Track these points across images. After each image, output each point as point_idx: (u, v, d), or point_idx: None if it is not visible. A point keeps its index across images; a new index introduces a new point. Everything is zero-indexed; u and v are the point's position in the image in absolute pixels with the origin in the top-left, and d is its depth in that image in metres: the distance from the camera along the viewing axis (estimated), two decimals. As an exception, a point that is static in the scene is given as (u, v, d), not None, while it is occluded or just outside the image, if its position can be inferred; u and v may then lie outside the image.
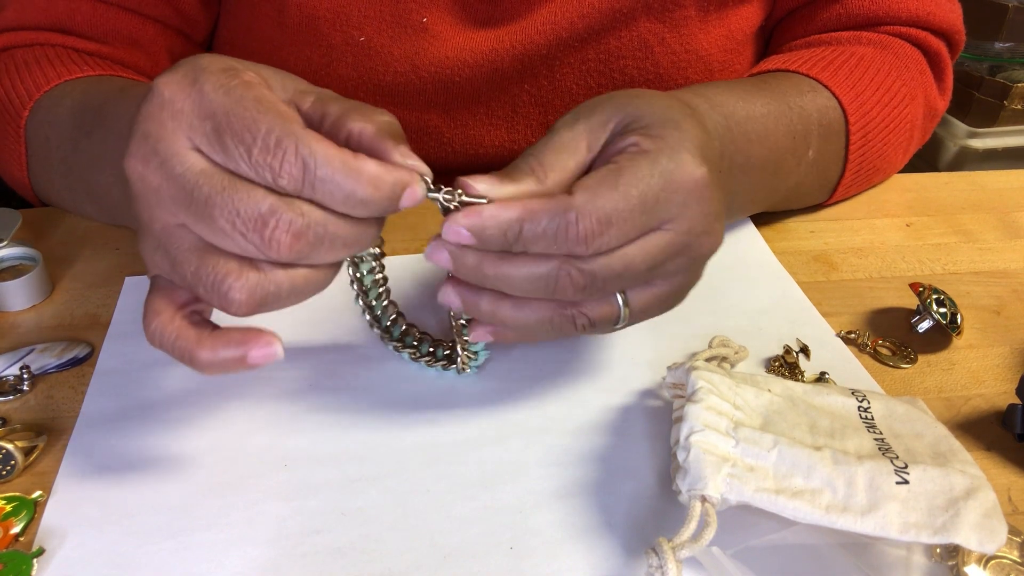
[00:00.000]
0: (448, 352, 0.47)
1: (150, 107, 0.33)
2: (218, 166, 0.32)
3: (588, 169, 0.38)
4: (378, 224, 0.35)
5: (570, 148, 0.38)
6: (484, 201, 0.35)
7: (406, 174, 0.33)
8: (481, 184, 0.36)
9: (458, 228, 0.35)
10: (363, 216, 0.33)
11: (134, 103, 0.44)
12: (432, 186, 0.35)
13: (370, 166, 0.32)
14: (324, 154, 0.31)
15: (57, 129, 0.53)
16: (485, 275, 0.36)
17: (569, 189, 0.36)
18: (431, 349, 0.47)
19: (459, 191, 0.35)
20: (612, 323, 0.39)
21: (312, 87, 0.36)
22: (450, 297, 0.38)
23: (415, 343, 0.47)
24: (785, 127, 0.53)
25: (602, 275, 0.36)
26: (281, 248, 0.32)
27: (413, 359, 0.47)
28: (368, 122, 0.34)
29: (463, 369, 0.46)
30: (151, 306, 0.35)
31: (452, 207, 0.35)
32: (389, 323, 0.47)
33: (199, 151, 0.32)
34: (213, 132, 0.31)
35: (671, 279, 0.39)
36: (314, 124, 0.34)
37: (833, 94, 0.57)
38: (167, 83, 0.32)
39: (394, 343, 0.47)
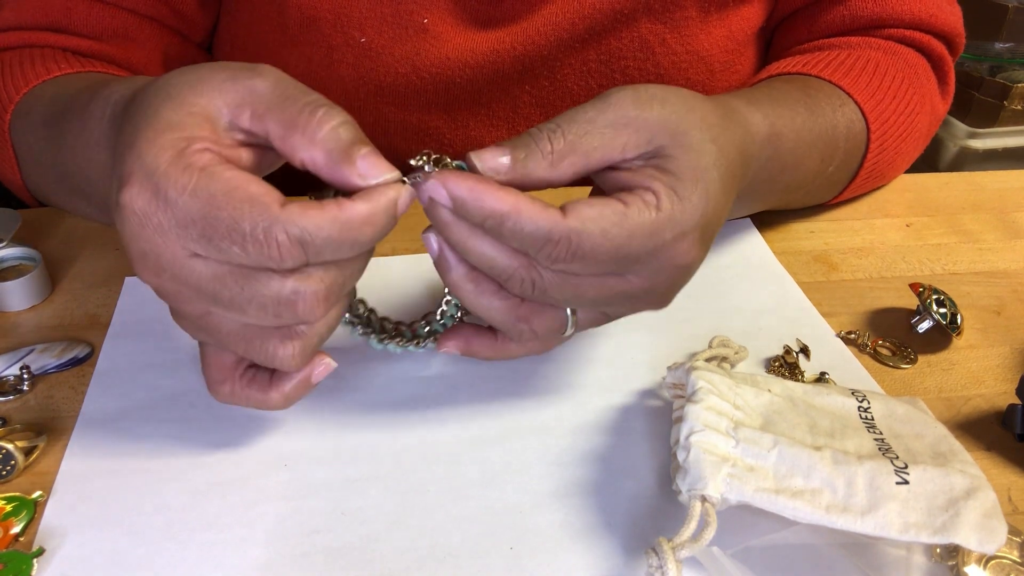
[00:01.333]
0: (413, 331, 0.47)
1: (131, 227, 0.32)
2: (225, 264, 0.32)
3: (608, 166, 0.37)
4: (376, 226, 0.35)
5: (605, 136, 0.36)
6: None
7: (390, 192, 0.33)
8: (487, 162, 0.35)
9: (440, 189, 0.34)
10: (367, 249, 0.34)
11: (90, 103, 0.43)
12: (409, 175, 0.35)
13: (358, 210, 0.32)
14: (314, 225, 0.31)
15: (34, 131, 0.53)
16: (450, 238, 0.36)
17: (565, 208, 0.34)
18: (398, 329, 0.47)
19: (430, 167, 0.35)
20: (559, 334, 0.39)
21: (244, 92, 0.34)
22: (431, 243, 0.38)
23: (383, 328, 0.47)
24: (819, 152, 0.54)
25: (552, 292, 0.37)
26: (316, 314, 0.34)
27: (380, 342, 0.46)
28: (315, 148, 0.33)
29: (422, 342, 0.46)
30: (212, 375, 0.38)
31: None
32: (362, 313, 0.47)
33: (199, 256, 0.32)
34: (202, 239, 0.31)
35: (619, 310, 0.40)
36: (262, 140, 0.34)
37: (858, 105, 0.57)
38: (133, 199, 0.32)
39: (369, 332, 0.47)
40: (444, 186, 0.34)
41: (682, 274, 0.38)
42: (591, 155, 0.36)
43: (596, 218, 0.34)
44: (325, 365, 0.38)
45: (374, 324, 0.46)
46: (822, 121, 0.54)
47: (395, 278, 0.54)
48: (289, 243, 0.31)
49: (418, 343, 0.46)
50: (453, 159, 0.36)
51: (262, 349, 0.35)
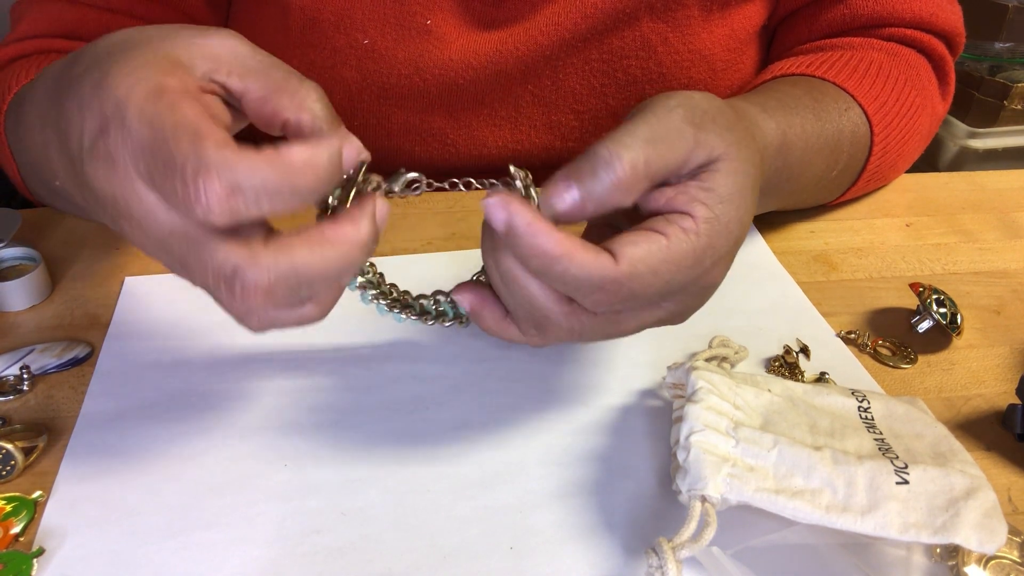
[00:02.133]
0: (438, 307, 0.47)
1: (102, 168, 0.30)
2: (175, 215, 0.30)
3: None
4: (362, 251, 0.32)
5: (669, 160, 0.35)
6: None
7: (335, 142, 0.30)
8: (557, 205, 0.33)
9: (499, 212, 0.32)
10: (313, 204, 0.31)
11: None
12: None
13: (296, 152, 0.29)
14: (248, 167, 0.28)
15: (23, 118, 0.53)
16: (497, 265, 0.35)
17: (618, 247, 0.33)
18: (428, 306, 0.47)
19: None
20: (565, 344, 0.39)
21: (223, 52, 0.33)
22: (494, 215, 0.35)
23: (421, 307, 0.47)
24: (825, 158, 0.54)
25: (589, 335, 0.36)
26: (256, 308, 0.31)
27: (389, 309, 0.46)
28: (303, 112, 0.32)
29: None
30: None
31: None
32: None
33: (155, 200, 0.30)
34: (147, 174, 0.29)
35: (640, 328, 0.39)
36: (235, 98, 0.33)
37: (862, 109, 0.57)
38: (102, 131, 0.30)
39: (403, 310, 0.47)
40: (505, 210, 0.32)
41: (710, 294, 0.38)
42: (658, 176, 0.35)
43: (645, 258, 0.33)
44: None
45: (383, 288, 0.45)
46: (829, 127, 0.54)
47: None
48: (219, 186, 0.28)
49: (425, 319, 0.46)
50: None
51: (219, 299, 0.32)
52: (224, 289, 0.30)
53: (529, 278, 0.34)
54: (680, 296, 0.37)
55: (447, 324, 0.46)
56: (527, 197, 0.34)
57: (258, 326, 0.33)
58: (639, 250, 0.33)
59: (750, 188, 0.37)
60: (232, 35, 0.34)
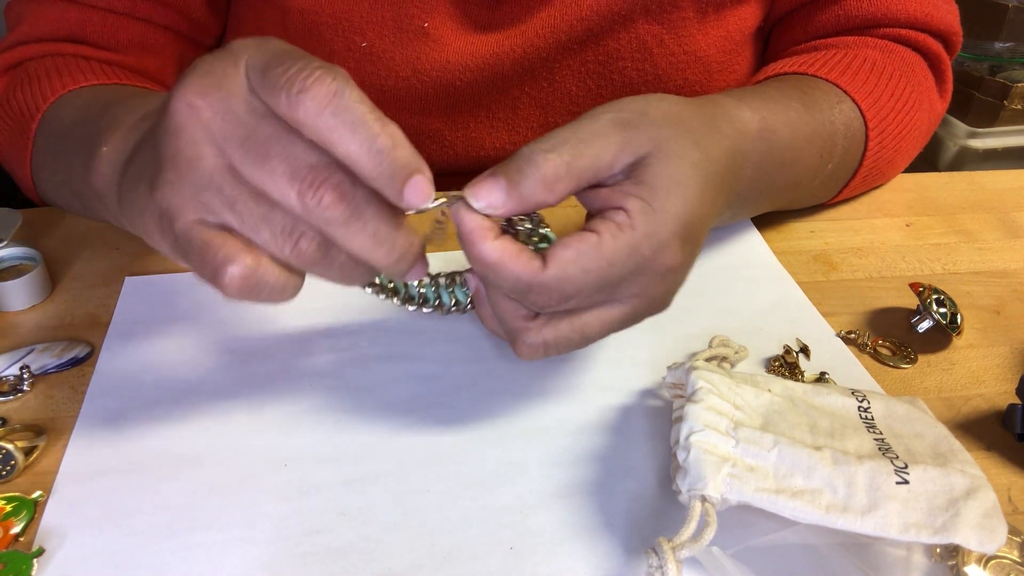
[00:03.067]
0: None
1: (213, 57, 0.32)
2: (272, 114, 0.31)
3: (597, 182, 0.37)
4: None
5: (594, 155, 0.36)
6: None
7: (421, 165, 0.33)
8: (481, 199, 0.35)
9: (457, 219, 0.35)
10: (377, 174, 0.32)
11: (135, 101, 0.44)
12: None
13: (394, 131, 0.31)
14: (354, 97, 0.30)
15: (57, 125, 0.53)
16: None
17: (549, 252, 0.35)
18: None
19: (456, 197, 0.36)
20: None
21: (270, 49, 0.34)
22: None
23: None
24: (816, 148, 0.54)
25: (563, 348, 0.38)
26: (324, 207, 0.31)
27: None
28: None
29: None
30: (227, 255, 0.33)
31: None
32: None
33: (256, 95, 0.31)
34: (263, 65, 0.31)
35: (629, 325, 0.40)
36: None
37: (856, 103, 0.57)
38: (225, 51, 0.32)
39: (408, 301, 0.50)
40: (461, 217, 0.35)
41: (672, 278, 0.38)
42: (583, 176, 0.36)
43: (575, 259, 0.35)
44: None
45: (382, 281, 0.49)
46: (819, 116, 0.54)
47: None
48: (328, 84, 0.30)
49: (421, 305, 0.48)
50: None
51: (220, 249, 0.32)
52: (303, 180, 0.31)
53: (492, 291, 0.37)
54: (631, 288, 0.37)
55: (446, 312, 0.48)
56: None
57: (235, 283, 0.33)
58: (568, 252, 0.35)
59: (696, 167, 0.38)
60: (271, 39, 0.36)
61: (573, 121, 0.37)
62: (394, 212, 0.33)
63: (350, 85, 0.31)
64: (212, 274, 0.32)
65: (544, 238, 0.45)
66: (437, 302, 0.50)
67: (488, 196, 0.35)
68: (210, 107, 0.31)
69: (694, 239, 0.38)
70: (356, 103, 0.30)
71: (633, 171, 0.37)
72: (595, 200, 0.37)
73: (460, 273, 0.51)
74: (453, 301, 0.50)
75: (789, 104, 0.52)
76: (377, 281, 0.50)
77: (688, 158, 0.38)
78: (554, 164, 0.35)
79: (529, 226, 0.45)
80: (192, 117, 0.31)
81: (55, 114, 0.54)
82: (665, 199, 0.36)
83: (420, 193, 0.32)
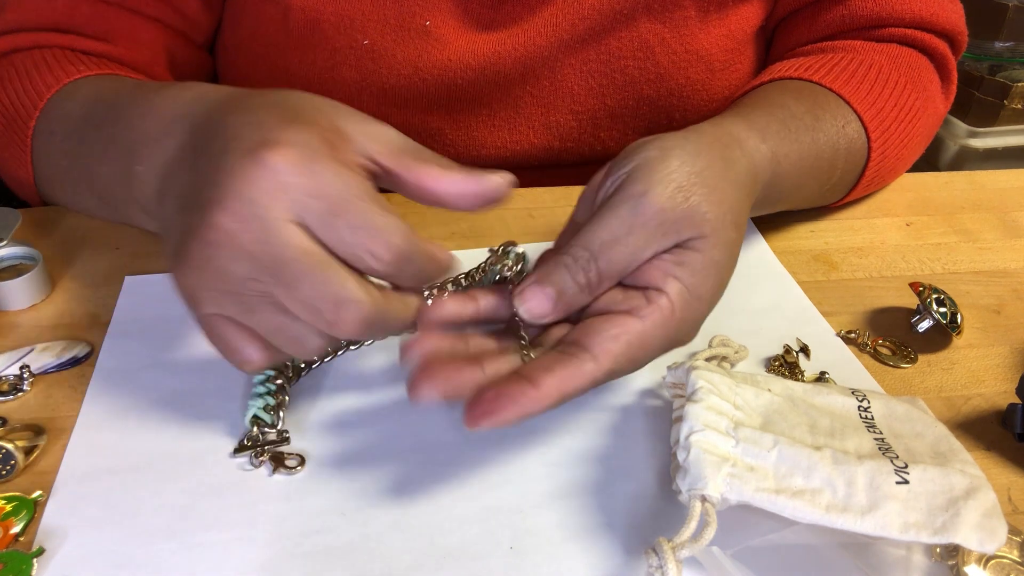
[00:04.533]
0: None
1: (253, 171, 0.33)
2: (317, 242, 0.33)
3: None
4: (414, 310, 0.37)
5: (636, 252, 0.38)
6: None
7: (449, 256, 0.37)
8: (534, 311, 0.38)
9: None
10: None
11: (149, 101, 0.44)
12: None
13: (437, 251, 0.36)
14: (421, 250, 0.35)
15: (64, 123, 0.53)
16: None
17: (594, 344, 0.37)
18: None
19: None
20: None
21: (380, 132, 0.37)
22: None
23: None
24: (817, 177, 0.55)
25: None
26: (344, 332, 0.34)
27: None
28: (445, 180, 0.36)
29: None
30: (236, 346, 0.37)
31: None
32: None
33: (300, 226, 0.33)
34: (327, 212, 0.33)
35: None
36: (379, 176, 0.37)
37: (859, 116, 0.57)
38: (280, 157, 0.33)
39: None
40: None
41: (697, 328, 0.41)
42: (623, 273, 0.38)
43: (624, 351, 0.37)
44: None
45: None
46: (827, 149, 0.55)
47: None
48: (398, 249, 0.34)
49: None
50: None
51: (232, 342, 0.36)
52: (331, 309, 0.33)
53: None
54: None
55: None
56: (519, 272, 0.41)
57: (256, 364, 0.37)
58: (617, 346, 0.37)
59: (731, 255, 0.40)
60: (388, 127, 0.38)
61: (615, 205, 0.38)
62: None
63: (411, 238, 0.34)
64: (229, 359, 0.37)
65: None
66: None
67: (538, 308, 0.38)
68: (248, 234, 0.33)
69: (723, 286, 0.41)
70: (413, 244, 0.34)
71: (675, 249, 0.38)
72: (632, 275, 0.39)
73: None
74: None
75: (802, 139, 0.52)
76: None
77: (727, 240, 0.39)
78: (592, 270, 0.38)
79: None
80: (228, 240, 0.33)
81: (57, 113, 0.54)
82: (703, 284, 0.38)
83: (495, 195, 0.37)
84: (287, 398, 0.44)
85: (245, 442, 0.41)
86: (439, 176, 0.36)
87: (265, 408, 0.42)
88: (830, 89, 0.57)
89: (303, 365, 0.46)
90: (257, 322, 0.35)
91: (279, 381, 0.43)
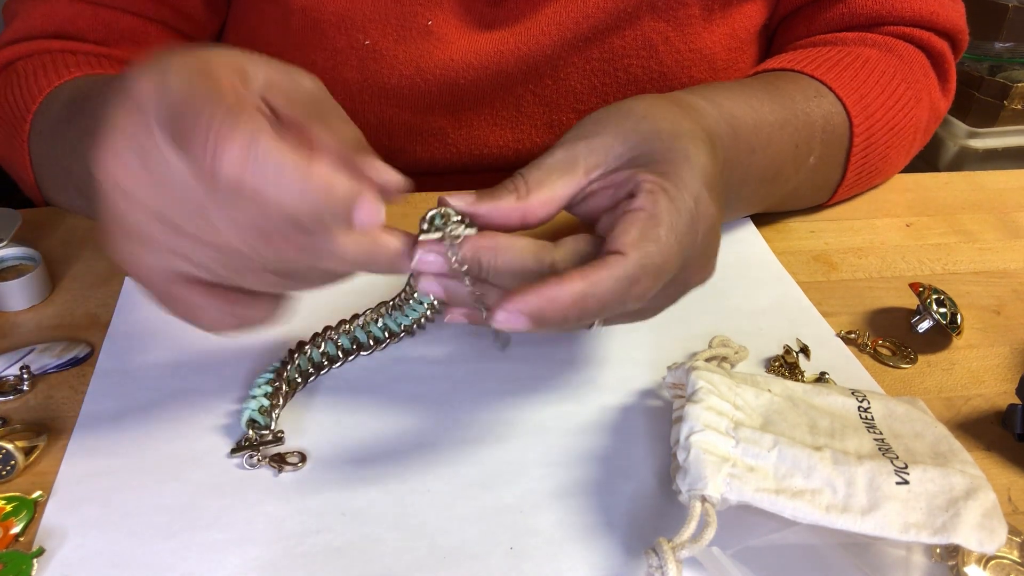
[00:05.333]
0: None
1: (121, 104, 0.31)
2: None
3: (581, 191, 0.38)
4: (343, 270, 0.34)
5: (562, 169, 0.38)
6: (474, 231, 0.36)
7: (363, 186, 0.31)
8: (459, 201, 0.36)
9: (514, 317, 0.33)
10: (309, 226, 0.31)
11: (113, 90, 0.43)
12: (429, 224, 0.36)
13: (322, 168, 0.29)
14: (269, 147, 0.29)
15: (49, 124, 0.54)
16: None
17: (617, 245, 0.35)
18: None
19: (455, 229, 0.36)
20: (584, 330, 0.39)
21: (290, 81, 0.34)
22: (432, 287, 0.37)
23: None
24: (789, 136, 0.53)
25: (612, 319, 0.39)
26: (282, 261, 0.32)
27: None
28: (332, 133, 0.33)
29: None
30: (199, 305, 0.34)
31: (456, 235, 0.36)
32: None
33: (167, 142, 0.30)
34: (170, 120, 0.30)
35: (655, 303, 0.40)
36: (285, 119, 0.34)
37: (838, 98, 0.57)
38: (142, 79, 0.31)
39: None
40: (515, 308, 0.33)
41: (716, 235, 0.39)
42: (556, 186, 0.38)
43: (644, 235, 0.35)
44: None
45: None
46: (789, 105, 0.54)
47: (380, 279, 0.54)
48: (239, 146, 0.29)
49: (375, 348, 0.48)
50: (452, 216, 0.37)
51: (195, 297, 0.34)
52: (259, 239, 0.30)
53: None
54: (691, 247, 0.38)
55: (403, 335, 0.49)
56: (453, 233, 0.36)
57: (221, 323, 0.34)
58: (635, 231, 0.35)
59: (692, 140, 0.39)
60: (308, 78, 0.35)
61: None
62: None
63: (262, 128, 0.29)
64: (190, 322, 0.34)
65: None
66: (388, 333, 0.48)
67: (458, 201, 0.36)
68: (139, 187, 0.31)
69: (717, 193, 0.39)
70: (273, 150, 0.29)
71: (627, 165, 0.38)
72: (600, 200, 0.38)
73: (404, 295, 0.50)
74: (401, 327, 0.49)
75: (751, 93, 0.52)
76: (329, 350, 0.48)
77: (669, 132, 0.39)
78: (516, 179, 0.37)
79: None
80: (125, 200, 0.31)
81: (44, 113, 0.54)
82: (678, 165, 0.37)
83: (370, 214, 0.31)
84: (283, 400, 0.43)
85: (243, 443, 0.41)
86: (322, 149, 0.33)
87: (260, 410, 0.42)
88: (811, 76, 0.57)
89: (311, 370, 0.46)
90: (197, 265, 0.32)
91: (276, 384, 0.43)
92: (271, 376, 0.44)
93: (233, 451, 0.41)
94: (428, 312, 0.50)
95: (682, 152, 0.38)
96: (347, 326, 0.48)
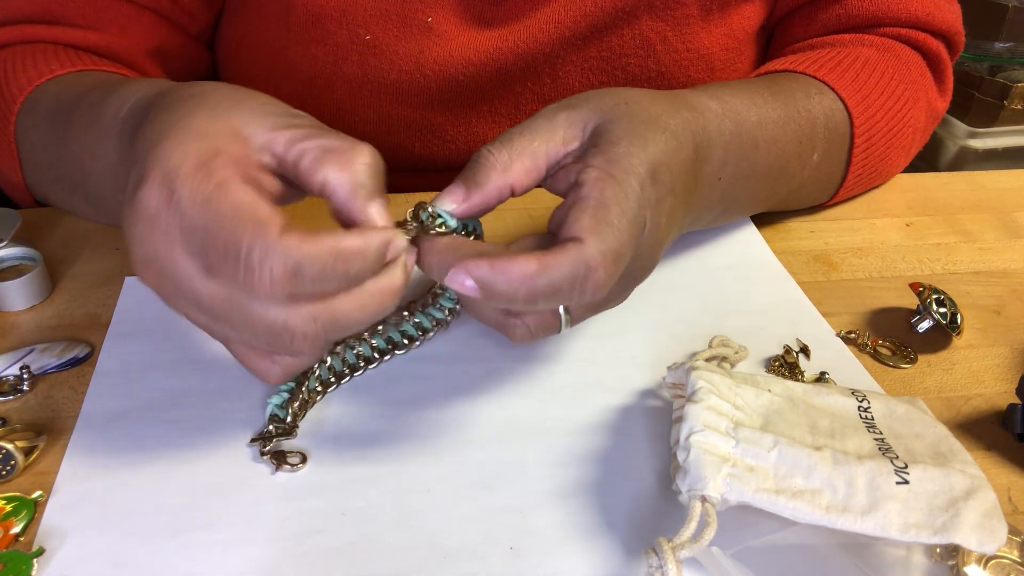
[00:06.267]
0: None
1: (140, 228, 0.32)
2: (223, 283, 0.32)
3: (558, 162, 0.39)
4: (394, 297, 0.35)
5: (544, 136, 0.39)
6: (453, 226, 0.37)
7: (386, 233, 0.34)
8: (450, 203, 0.37)
9: (464, 279, 0.34)
10: (359, 283, 0.34)
11: (103, 101, 0.44)
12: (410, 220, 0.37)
13: (351, 241, 0.32)
14: (309, 254, 0.31)
15: (39, 131, 0.53)
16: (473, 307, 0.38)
17: (571, 232, 0.35)
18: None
19: (435, 221, 0.37)
20: (554, 332, 0.40)
21: (287, 118, 0.35)
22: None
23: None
24: (793, 132, 0.53)
25: (577, 314, 0.39)
26: (306, 350, 0.34)
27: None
28: (344, 173, 0.34)
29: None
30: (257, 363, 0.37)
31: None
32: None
33: (200, 270, 0.32)
34: (202, 253, 0.32)
35: (610, 293, 0.40)
36: (289, 167, 0.35)
37: (839, 96, 0.57)
38: (148, 199, 0.32)
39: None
40: (466, 272, 0.34)
41: (646, 213, 0.39)
42: (537, 153, 0.39)
43: (598, 221, 0.35)
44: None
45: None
46: (791, 103, 0.54)
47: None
48: (282, 272, 0.31)
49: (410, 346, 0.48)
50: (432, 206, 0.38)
51: (248, 362, 0.36)
52: (276, 342, 0.33)
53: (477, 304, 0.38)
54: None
55: (435, 331, 0.48)
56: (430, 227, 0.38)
57: (277, 378, 0.36)
58: (587, 218, 0.35)
59: (649, 128, 0.39)
60: (302, 112, 0.36)
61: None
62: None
63: (298, 252, 0.31)
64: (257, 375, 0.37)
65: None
66: (422, 332, 0.48)
67: (449, 204, 0.38)
68: (171, 290, 0.33)
69: (663, 184, 0.39)
70: (316, 259, 0.31)
71: (588, 142, 0.39)
72: (564, 180, 0.39)
73: (433, 291, 0.50)
74: (433, 322, 0.49)
75: (753, 91, 0.52)
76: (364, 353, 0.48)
77: (638, 117, 0.39)
78: (504, 153, 0.38)
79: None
80: (152, 226, 0.33)
81: (30, 111, 0.54)
82: (631, 146, 0.38)
83: (396, 251, 0.35)
84: (309, 396, 0.44)
85: (264, 433, 0.42)
86: (334, 170, 0.34)
87: (281, 405, 0.43)
88: (812, 76, 0.58)
89: (345, 370, 0.46)
90: (247, 344, 0.36)
91: (301, 380, 0.44)
92: (299, 376, 0.44)
93: (252, 441, 0.42)
94: (448, 317, 0.49)
95: (640, 138, 0.38)
96: (378, 327, 0.48)
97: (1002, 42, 1.39)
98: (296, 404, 0.43)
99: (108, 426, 0.43)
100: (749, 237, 0.60)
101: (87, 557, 0.36)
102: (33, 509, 0.38)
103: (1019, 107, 1.36)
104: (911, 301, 0.54)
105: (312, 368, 0.45)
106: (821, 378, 0.47)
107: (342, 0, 0.60)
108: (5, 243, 0.53)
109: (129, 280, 0.53)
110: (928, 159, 1.41)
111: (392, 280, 0.34)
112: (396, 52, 0.61)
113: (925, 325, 0.51)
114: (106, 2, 0.58)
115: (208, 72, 0.70)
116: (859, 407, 0.40)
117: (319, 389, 0.45)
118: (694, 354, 0.47)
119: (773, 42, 0.70)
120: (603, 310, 0.41)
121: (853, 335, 0.51)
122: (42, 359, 0.46)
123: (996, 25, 1.38)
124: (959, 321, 0.50)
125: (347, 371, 0.46)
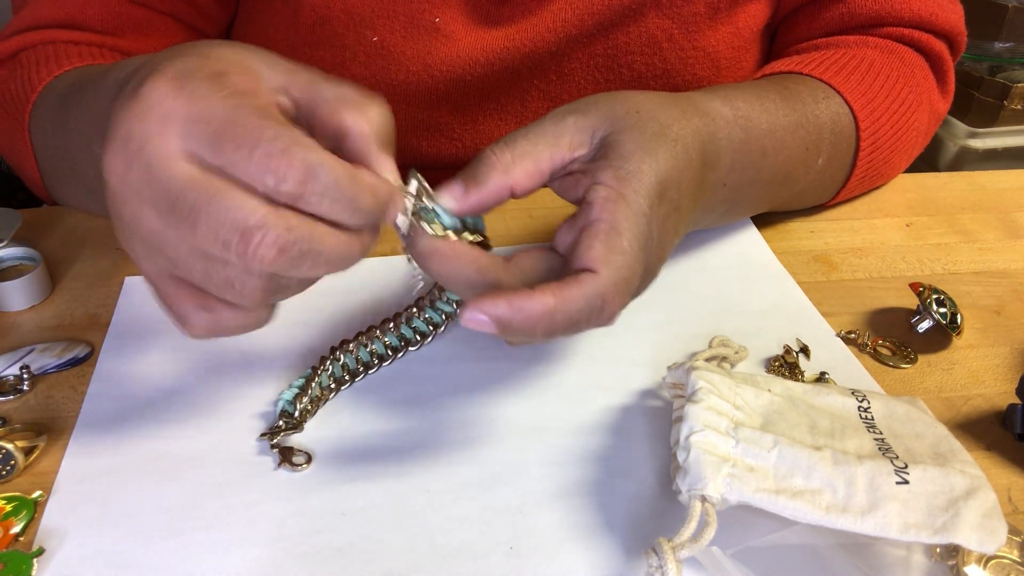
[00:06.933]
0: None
1: (136, 107, 0.31)
2: (209, 172, 0.30)
3: (563, 167, 0.39)
4: (360, 246, 0.33)
5: (549, 140, 0.39)
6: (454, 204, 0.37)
7: (397, 190, 0.34)
8: (449, 200, 0.37)
9: (480, 317, 0.34)
10: (352, 224, 0.32)
11: (103, 77, 0.43)
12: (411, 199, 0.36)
13: (367, 176, 0.32)
14: (330, 163, 0.30)
15: (47, 120, 0.54)
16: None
17: (584, 262, 0.35)
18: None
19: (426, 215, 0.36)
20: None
21: (299, 67, 0.35)
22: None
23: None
24: (801, 139, 0.54)
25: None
26: (264, 263, 0.30)
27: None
28: (363, 118, 0.34)
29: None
30: (181, 305, 0.34)
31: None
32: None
33: (189, 156, 0.31)
34: (213, 136, 0.30)
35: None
36: (304, 112, 0.34)
37: (845, 100, 0.57)
38: (155, 86, 0.30)
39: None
40: (481, 312, 0.33)
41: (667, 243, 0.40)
42: (541, 156, 0.38)
43: (610, 249, 0.35)
44: None
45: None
46: (800, 108, 0.54)
47: (393, 276, 0.54)
48: (300, 164, 0.29)
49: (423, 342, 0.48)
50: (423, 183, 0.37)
51: (176, 302, 0.33)
52: (238, 241, 0.30)
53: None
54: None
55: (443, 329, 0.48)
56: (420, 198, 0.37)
57: (199, 328, 0.34)
58: (599, 246, 0.35)
59: (659, 142, 0.39)
60: (305, 68, 0.36)
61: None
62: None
63: (322, 155, 0.30)
64: (177, 323, 0.34)
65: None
66: (433, 328, 0.49)
67: (448, 200, 0.37)
68: (136, 175, 0.31)
69: (670, 200, 0.39)
70: (334, 169, 0.30)
71: (598, 152, 0.39)
72: (573, 189, 0.39)
73: (438, 288, 0.50)
74: (444, 316, 0.49)
75: (765, 96, 0.52)
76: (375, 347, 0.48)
77: (649, 130, 0.39)
78: (506, 153, 0.38)
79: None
80: (124, 186, 0.31)
81: (42, 105, 0.54)
82: (641, 163, 0.38)
83: (395, 211, 0.34)
84: (312, 392, 0.44)
85: (274, 428, 0.42)
86: (353, 116, 0.34)
87: (291, 400, 0.43)
88: (818, 79, 0.58)
89: (360, 368, 0.46)
90: (186, 272, 0.32)
91: (311, 377, 0.44)
92: (310, 373, 0.45)
93: (261, 436, 0.42)
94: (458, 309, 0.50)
95: (650, 155, 0.38)
96: (390, 324, 0.48)
97: (1002, 42, 1.39)
98: (306, 399, 0.43)
99: (108, 426, 0.43)
100: (749, 237, 0.60)
101: (87, 557, 0.36)
102: (33, 509, 0.38)
103: (1019, 107, 1.36)
104: (911, 301, 0.54)
105: (325, 365, 0.45)
106: (821, 378, 0.47)
107: (349, 2, 0.60)
108: (5, 243, 0.53)
109: (129, 280, 0.53)
110: (928, 159, 1.41)
111: (365, 240, 0.33)
112: (404, 53, 0.62)
113: (925, 325, 0.51)
114: (126, 8, 0.59)
115: None
116: (859, 407, 0.40)
117: (332, 387, 0.45)
118: (694, 354, 0.47)
119: (776, 41, 0.70)
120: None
121: (853, 335, 0.51)
122: (42, 359, 0.46)
123: (996, 25, 1.38)
124: (959, 321, 0.50)
125: (361, 368, 0.46)
